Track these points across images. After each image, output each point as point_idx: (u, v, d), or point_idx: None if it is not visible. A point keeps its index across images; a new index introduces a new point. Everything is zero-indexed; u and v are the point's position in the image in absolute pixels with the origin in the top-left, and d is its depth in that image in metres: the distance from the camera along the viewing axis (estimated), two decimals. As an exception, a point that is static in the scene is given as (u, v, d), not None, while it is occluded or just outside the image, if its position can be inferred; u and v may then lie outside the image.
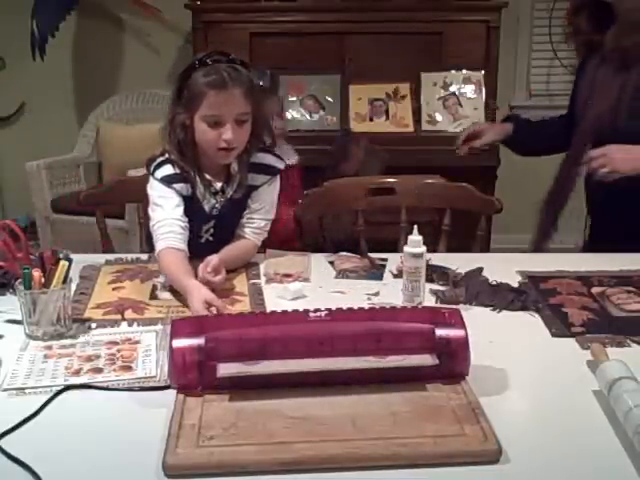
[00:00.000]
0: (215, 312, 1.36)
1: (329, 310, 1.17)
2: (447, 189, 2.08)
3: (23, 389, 1.14)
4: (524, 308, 1.46)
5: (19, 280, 1.33)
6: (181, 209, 1.61)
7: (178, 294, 1.50)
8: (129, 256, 1.80)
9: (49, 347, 1.29)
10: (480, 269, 1.61)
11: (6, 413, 1.07)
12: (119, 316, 1.43)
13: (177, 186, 1.62)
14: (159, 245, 1.57)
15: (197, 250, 1.60)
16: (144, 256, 1.77)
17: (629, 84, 1.84)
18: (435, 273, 1.59)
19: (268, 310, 1.44)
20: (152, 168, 1.65)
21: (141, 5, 3.80)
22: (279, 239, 1.99)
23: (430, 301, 1.48)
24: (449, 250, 1.99)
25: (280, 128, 2.45)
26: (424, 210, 2.16)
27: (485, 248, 2.03)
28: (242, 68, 1.59)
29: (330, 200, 2.09)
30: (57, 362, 1.23)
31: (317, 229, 2.08)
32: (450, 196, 2.05)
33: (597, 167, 1.60)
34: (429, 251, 1.46)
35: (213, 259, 1.52)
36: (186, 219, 1.61)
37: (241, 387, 1.09)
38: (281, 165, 1.73)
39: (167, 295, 1.54)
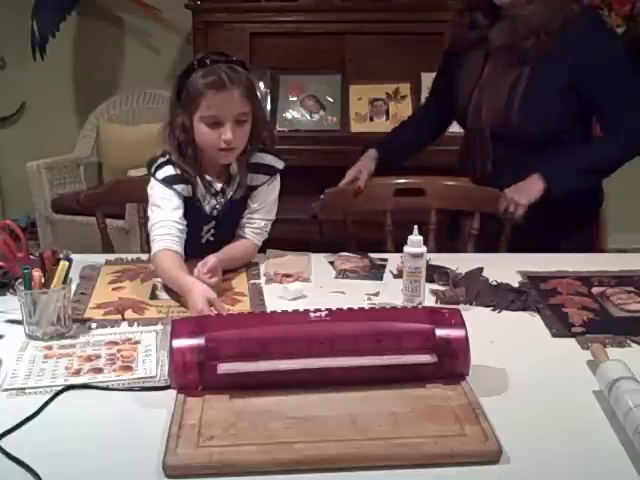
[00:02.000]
0: (214, 311, 1.36)
1: (329, 310, 1.17)
2: (475, 192, 2.01)
3: (23, 389, 1.14)
4: (524, 308, 1.47)
5: (19, 280, 1.33)
6: (180, 212, 1.61)
7: (178, 294, 1.50)
8: (129, 256, 1.80)
9: (49, 347, 1.29)
10: (480, 269, 1.61)
11: (6, 413, 1.07)
12: (119, 316, 1.43)
13: (178, 187, 1.62)
14: (155, 246, 1.57)
15: (197, 251, 1.60)
16: (144, 256, 1.77)
17: (520, 82, 1.86)
18: (435, 273, 1.59)
19: (268, 310, 1.44)
20: (153, 169, 1.65)
21: (141, 5, 3.81)
22: None
23: (430, 301, 1.48)
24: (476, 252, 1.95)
25: None
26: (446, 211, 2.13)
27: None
28: (241, 68, 1.59)
29: (351, 199, 2.06)
30: (57, 362, 1.23)
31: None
32: (478, 199, 1.98)
33: (508, 211, 1.87)
34: (430, 251, 1.45)
35: (210, 260, 1.52)
36: (185, 222, 1.61)
37: (241, 387, 1.09)
38: (280, 165, 1.72)
39: (167, 295, 1.54)
